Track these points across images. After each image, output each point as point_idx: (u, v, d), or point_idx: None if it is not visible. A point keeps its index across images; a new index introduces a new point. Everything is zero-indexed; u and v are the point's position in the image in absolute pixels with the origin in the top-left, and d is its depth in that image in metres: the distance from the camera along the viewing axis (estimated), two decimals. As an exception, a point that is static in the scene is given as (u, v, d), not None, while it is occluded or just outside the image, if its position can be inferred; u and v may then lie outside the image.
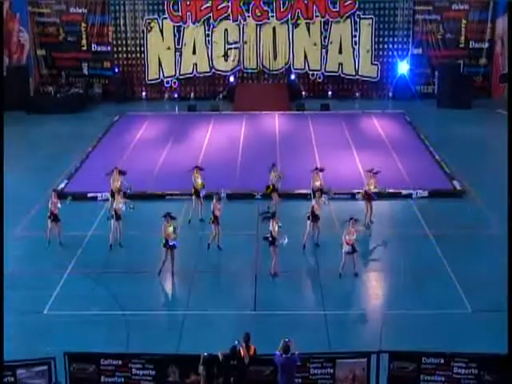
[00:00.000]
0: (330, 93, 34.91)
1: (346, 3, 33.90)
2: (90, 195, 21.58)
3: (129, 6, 34.38)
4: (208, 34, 34.45)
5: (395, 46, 34.71)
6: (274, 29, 34.51)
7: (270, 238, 16.22)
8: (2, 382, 11.21)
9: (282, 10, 34.14)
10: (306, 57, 34.71)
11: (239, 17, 34.19)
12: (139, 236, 18.34)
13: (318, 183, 19.49)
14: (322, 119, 31.15)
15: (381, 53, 34.77)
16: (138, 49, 34.98)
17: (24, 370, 11.57)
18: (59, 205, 18.12)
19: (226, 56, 34.77)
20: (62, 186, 22.46)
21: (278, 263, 16.43)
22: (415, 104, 33.04)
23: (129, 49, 35.03)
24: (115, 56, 35.06)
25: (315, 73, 34.92)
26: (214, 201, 17.67)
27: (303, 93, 34.74)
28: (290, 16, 34.17)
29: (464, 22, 34.30)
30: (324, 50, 34.61)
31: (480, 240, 18.26)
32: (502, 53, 34.08)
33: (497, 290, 14.67)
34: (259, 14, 34.24)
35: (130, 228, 18.46)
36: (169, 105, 34.63)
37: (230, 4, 33.99)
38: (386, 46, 34.72)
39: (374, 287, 16.43)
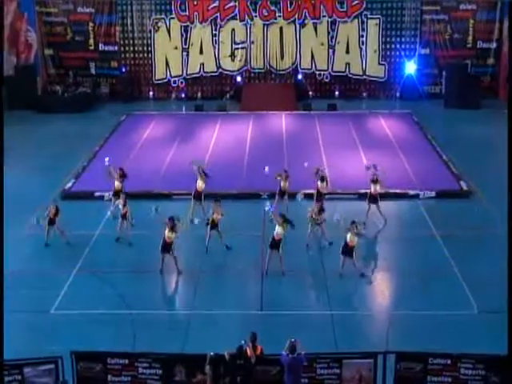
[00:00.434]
0: (337, 93, 34.85)
1: (354, 3, 33.84)
2: (96, 194, 21.62)
3: (136, 6, 34.40)
4: (215, 34, 34.44)
5: (402, 46, 34.61)
6: (281, 29, 34.48)
7: (272, 241, 16.25)
8: (2, 381, 11.23)
9: (289, 9, 34.12)
10: (313, 57, 34.68)
11: (246, 17, 34.20)
12: (146, 235, 18.35)
13: (321, 185, 19.50)
14: (328, 119, 31.12)
15: (388, 53, 34.68)
16: (145, 48, 35.03)
17: (31, 368, 11.62)
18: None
19: (233, 56, 34.77)
20: (69, 185, 22.53)
21: (285, 263, 16.43)
22: (422, 104, 32.95)
23: (136, 48, 35.07)
24: (122, 56, 35.12)
25: (322, 73, 34.89)
26: (216, 207, 17.65)
27: (310, 93, 34.70)
28: (297, 16, 34.17)
29: (472, 21, 34.17)
30: (331, 50, 34.55)
31: (487, 240, 18.19)
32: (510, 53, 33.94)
33: (504, 291, 14.57)
34: (266, 14, 34.23)
35: (137, 227, 18.51)
36: (176, 104, 34.65)
37: (237, 4, 34.01)
38: (393, 45, 34.62)
39: (381, 287, 16.40)
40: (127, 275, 16.77)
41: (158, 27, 34.51)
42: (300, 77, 34.71)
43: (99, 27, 34.76)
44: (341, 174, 22.82)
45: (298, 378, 11.49)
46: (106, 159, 20.49)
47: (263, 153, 25.74)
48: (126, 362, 11.86)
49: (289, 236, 16.80)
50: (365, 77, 34.88)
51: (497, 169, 23.26)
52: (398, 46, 34.63)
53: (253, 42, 34.55)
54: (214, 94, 35.31)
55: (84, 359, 11.86)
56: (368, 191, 19.53)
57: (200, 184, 19.60)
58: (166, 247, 16.42)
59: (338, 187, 21.28)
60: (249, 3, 34.00)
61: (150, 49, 34.89)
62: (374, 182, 19.22)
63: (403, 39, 34.58)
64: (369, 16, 34.12)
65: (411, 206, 21.03)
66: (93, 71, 35.38)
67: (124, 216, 18.32)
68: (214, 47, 34.63)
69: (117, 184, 19.83)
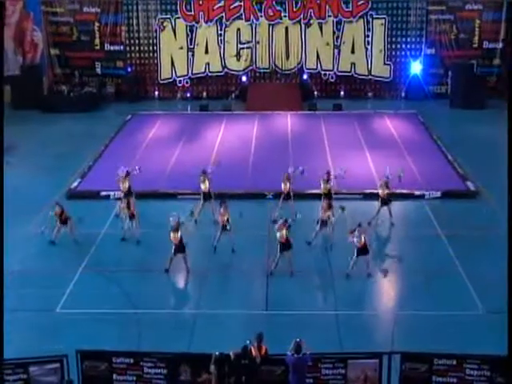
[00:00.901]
0: (342, 93, 34.82)
1: (359, 3, 33.79)
2: (102, 194, 21.67)
3: (142, 6, 34.44)
4: (220, 34, 34.45)
5: (408, 46, 34.55)
6: (286, 28, 34.47)
7: (280, 244, 16.26)
8: (2, 381, 11.26)
9: (294, 9, 34.10)
10: (318, 57, 34.66)
11: (252, 16, 34.20)
12: (152, 235, 18.39)
13: (326, 187, 19.48)
14: (334, 119, 31.09)
15: (394, 53, 34.62)
16: (150, 48, 35.07)
17: (36, 367, 11.67)
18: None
19: (238, 56, 34.79)
20: (75, 184, 22.58)
21: (291, 263, 16.45)
22: (428, 104, 32.90)
23: (142, 48, 35.11)
24: (128, 55, 35.17)
25: (327, 73, 34.87)
26: (222, 209, 17.68)
27: (315, 93, 34.67)
28: (302, 16, 34.16)
29: (478, 22, 34.08)
30: (336, 50, 34.52)
31: (493, 241, 18.13)
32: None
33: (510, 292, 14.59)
34: (272, 14, 34.22)
35: (143, 226, 18.54)
36: (181, 104, 34.67)
37: (242, 4, 34.02)
38: (398, 45, 34.56)
39: (386, 288, 16.39)
40: (133, 274, 16.79)
41: (164, 27, 34.56)
42: (305, 77, 34.69)
43: (105, 27, 34.81)
44: (346, 173, 22.75)
45: (303, 378, 11.50)
46: (137, 167, 20.32)
47: (268, 153, 25.77)
48: (132, 361, 11.89)
49: (294, 236, 16.80)
50: (370, 77, 34.84)
51: (502, 169, 23.20)
52: (403, 45, 34.57)
53: (258, 42, 34.54)
54: (219, 93, 35.31)
55: (89, 358, 11.89)
56: (377, 192, 19.54)
57: (204, 185, 19.57)
58: (179, 248, 16.41)
59: (343, 187, 21.26)
60: (254, 3, 34.00)
61: (155, 48, 34.94)
62: (384, 186, 19.18)
63: (409, 39, 34.51)
64: (374, 16, 34.07)
65: (417, 206, 21.00)
66: (98, 71, 35.43)
67: (132, 216, 18.34)
68: (220, 47, 34.64)
69: (124, 186, 19.80)
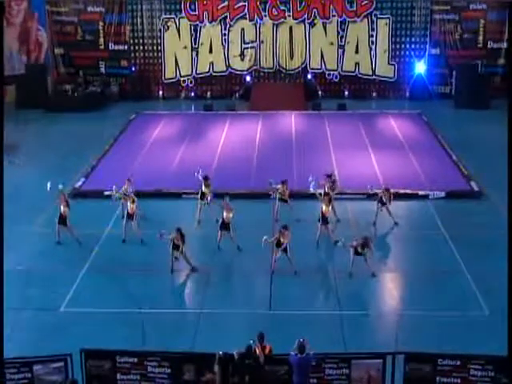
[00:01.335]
0: (346, 92, 34.81)
1: (363, 3, 33.79)
2: (106, 193, 21.65)
3: (146, 6, 34.51)
4: (224, 34, 34.48)
5: (412, 46, 34.54)
6: (290, 28, 34.49)
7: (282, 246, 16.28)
8: (2, 379, 11.27)
9: (298, 9, 34.10)
10: (322, 56, 34.66)
11: (256, 16, 34.21)
12: (156, 234, 18.37)
13: (329, 186, 19.48)
14: (338, 119, 31.07)
15: (398, 53, 34.61)
16: (154, 48, 35.12)
17: (41, 365, 11.67)
18: (64, 208, 18.15)
19: (242, 55, 34.79)
20: (79, 184, 22.61)
21: (294, 262, 16.45)
22: (432, 104, 32.86)
23: (146, 48, 35.18)
24: (132, 55, 35.24)
25: (332, 72, 34.85)
26: (226, 205, 17.70)
27: (320, 92, 34.65)
28: (306, 15, 34.14)
29: (482, 21, 34.05)
30: (341, 50, 34.53)
31: (497, 241, 18.06)
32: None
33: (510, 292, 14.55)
34: (276, 14, 34.23)
35: (147, 226, 18.54)
36: (185, 104, 34.70)
37: (246, 3, 34.03)
38: (403, 45, 34.56)
39: (390, 288, 16.38)
40: (137, 274, 16.80)
41: (168, 26, 34.60)
42: (309, 76, 34.68)
43: (109, 26, 34.88)
44: (350, 174, 22.77)
45: (307, 378, 11.49)
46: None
47: (272, 152, 25.76)
48: (135, 360, 11.88)
49: (297, 236, 16.80)
50: (374, 77, 34.82)
51: (507, 169, 23.16)
52: (407, 45, 34.56)
53: (262, 42, 34.57)
54: (223, 93, 35.33)
55: (93, 357, 11.89)
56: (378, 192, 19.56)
57: (206, 191, 19.53)
58: (176, 247, 16.50)
59: (347, 187, 21.25)
60: (258, 3, 34.00)
61: (159, 48, 35.00)
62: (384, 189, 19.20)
63: (413, 39, 34.49)
64: (378, 16, 34.05)
65: (421, 206, 20.97)
66: (103, 70, 35.51)
67: (132, 216, 18.34)
68: (224, 47, 34.67)
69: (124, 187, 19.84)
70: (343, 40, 34.38)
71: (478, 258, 17.24)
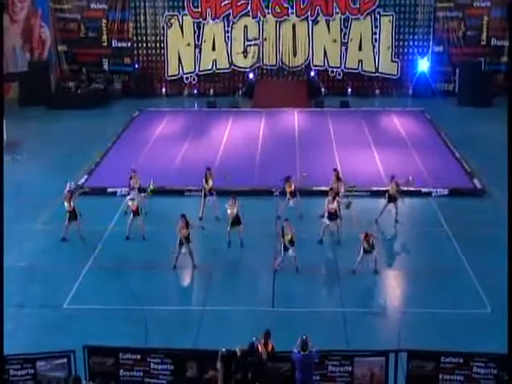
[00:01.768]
0: (349, 90, 34.76)
1: (366, 0, 33.73)
2: (109, 190, 21.72)
3: (149, 3, 34.47)
4: (228, 31, 34.44)
5: (416, 44, 34.47)
6: (293, 25, 34.42)
7: (283, 244, 16.26)
8: (2, 377, 11.30)
9: (301, 6, 34.06)
10: (325, 54, 34.61)
11: (259, 13, 34.18)
12: (159, 231, 18.41)
13: (335, 184, 19.46)
14: (341, 116, 31.04)
15: (401, 50, 34.55)
16: (158, 45, 35.10)
17: (44, 362, 11.69)
18: (71, 203, 18.17)
19: (245, 53, 34.76)
20: (82, 180, 22.62)
21: (298, 259, 16.46)
22: (435, 102, 32.80)
23: (149, 45, 35.15)
24: (135, 52, 35.21)
25: (335, 70, 34.81)
26: (231, 202, 17.73)
27: (322, 90, 34.62)
28: (309, 13, 34.09)
29: (486, 19, 33.98)
30: (344, 47, 34.47)
31: (500, 239, 18.03)
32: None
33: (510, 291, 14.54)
34: (279, 11, 34.19)
35: (150, 223, 18.55)
36: (188, 101, 34.70)
37: (249, 1, 33.97)
38: (406, 43, 34.50)
39: (393, 285, 16.39)
40: (140, 271, 16.83)
41: (171, 24, 34.57)
42: (312, 74, 34.63)
43: (112, 24, 34.86)
44: (353, 171, 22.74)
45: (310, 375, 11.49)
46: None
47: (275, 150, 25.75)
48: (138, 357, 11.90)
49: (300, 233, 16.81)
50: (377, 74, 34.76)
51: (507, 167, 23.14)
52: (411, 43, 34.49)
53: (265, 39, 34.52)
54: (226, 90, 35.29)
55: (96, 354, 11.91)
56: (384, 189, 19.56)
57: (207, 185, 19.58)
58: (183, 240, 16.49)
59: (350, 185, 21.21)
60: (261, 0, 33.95)
61: (162, 45, 34.96)
62: (394, 184, 19.17)
63: (416, 36, 34.43)
64: (382, 13, 33.99)
65: (424, 203, 20.96)
66: (106, 67, 35.50)
67: (137, 212, 18.36)
68: (227, 44, 34.63)
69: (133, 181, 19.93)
70: (346, 37, 34.32)
71: (480, 255, 17.23)
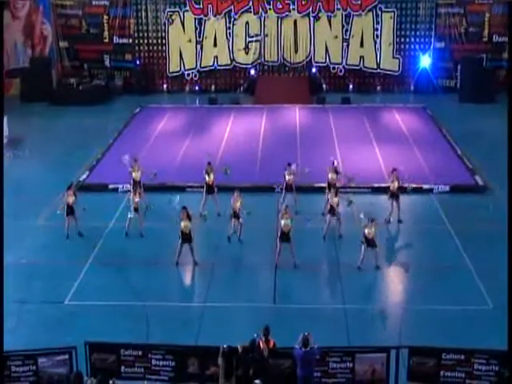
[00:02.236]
0: (351, 86, 34.73)
1: (368, -4, 33.73)
2: (111, 187, 21.72)
3: (151, -1, 34.53)
4: (229, 27, 34.39)
5: (417, 40, 34.39)
6: (295, 22, 34.35)
7: (282, 235, 16.25)
8: (2, 375, 11.31)
9: (303, 2, 33.99)
10: (327, 50, 34.55)
11: (260, 10, 34.12)
12: (160, 227, 18.42)
13: (334, 176, 19.48)
14: (342, 113, 31.02)
15: (403, 46, 34.47)
16: (159, 41, 35.06)
17: (45, 358, 11.71)
18: (70, 200, 18.17)
19: (246, 49, 34.71)
20: (84, 177, 22.63)
21: (297, 255, 16.45)
22: (437, 98, 32.75)
23: (150, 41, 35.12)
24: (137, 48, 35.18)
25: (336, 66, 34.76)
26: (235, 195, 17.75)
27: (324, 86, 34.58)
28: (311, 9, 34.03)
29: (487, 15, 33.89)
30: (345, 43, 34.41)
31: (502, 235, 18.02)
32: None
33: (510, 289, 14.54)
34: (280, 7, 34.13)
35: (151, 219, 18.54)
36: (189, 97, 34.67)
37: (251, -3, 33.97)
38: (408, 39, 34.42)
39: (394, 282, 16.39)
40: (141, 267, 16.84)
41: (172, 20, 34.51)
42: (314, 70, 34.59)
43: (114, 20, 34.82)
44: (354, 167, 22.72)
45: (311, 372, 11.50)
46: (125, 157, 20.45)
47: (277, 146, 25.73)
48: (140, 353, 11.92)
49: (302, 228, 16.80)
50: (379, 70, 34.71)
51: (507, 164, 23.11)
52: (412, 39, 34.42)
53: (267, 35, 34.47)
54: (227, 87, 35.27)
55: (98, 350, 11.93)
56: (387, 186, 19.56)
57: (209, 177, 19.60)
58: (186, 237, 16.46)
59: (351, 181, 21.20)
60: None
61: (164, 42, 34.93)
62: (395, 180, 19.16)
63: (418, 32, 34.34)
64: (383, 9, 33.92)
65: (425, 200, 20.94)
66: (107, 64, 35.46)
67: (136, 209, 18.36)
68: (228, 40, 34.58)
69: (135, 175, 19.93)
70: (348, 33, 34.25)
71: (482, 252, 17.22)
